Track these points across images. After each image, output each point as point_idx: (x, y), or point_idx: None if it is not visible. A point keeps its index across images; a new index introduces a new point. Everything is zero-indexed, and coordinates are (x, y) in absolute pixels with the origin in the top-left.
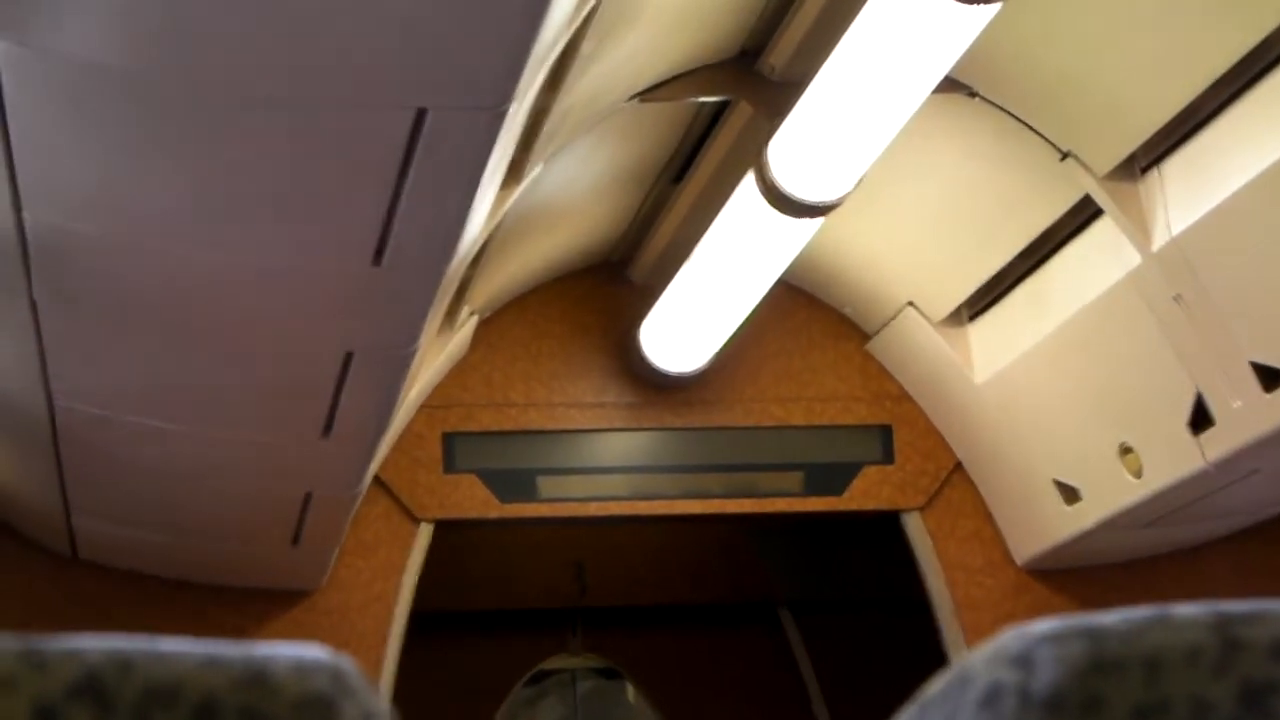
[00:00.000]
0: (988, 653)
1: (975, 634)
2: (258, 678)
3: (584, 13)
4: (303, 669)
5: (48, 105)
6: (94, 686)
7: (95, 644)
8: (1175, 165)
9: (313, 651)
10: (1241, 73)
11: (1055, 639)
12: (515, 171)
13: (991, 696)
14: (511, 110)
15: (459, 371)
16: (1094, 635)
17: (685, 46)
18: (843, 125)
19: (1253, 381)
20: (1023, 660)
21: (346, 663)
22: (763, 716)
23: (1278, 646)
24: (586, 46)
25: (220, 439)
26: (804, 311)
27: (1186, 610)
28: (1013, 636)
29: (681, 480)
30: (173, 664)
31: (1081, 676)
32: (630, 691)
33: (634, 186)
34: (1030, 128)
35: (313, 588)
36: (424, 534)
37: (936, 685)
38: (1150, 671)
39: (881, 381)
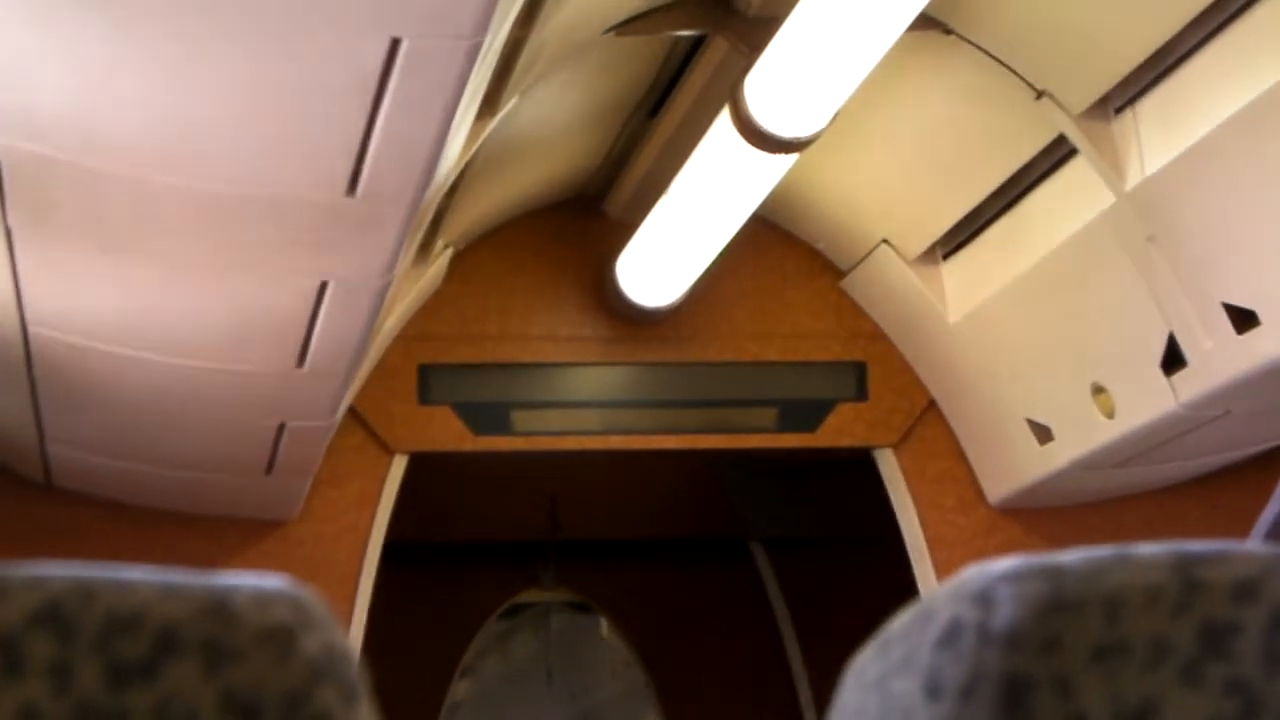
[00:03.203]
0: (949, 590)
1: (947, 571)
2: (219, 608)
3: None
4: (264, 600)
5: (19, 29)
6: (55, 615)
7: (57, 572)
8: (1150, 105)
9: (274, 582)
10: (1217, 12)
11: (1015, 577)
12: (490, 103)
13: (951, 633)
14: (486, 41)
15: (434, 304)
16: (1054, 574)
17: None
18: (818, 61)
19: (1225, 323)
20: (982, 597)
21: (308, 594)
22: (734, 651)
23: (1238, 588)
24: None
25: (194, 368)
26: (779, 248)
27: (1147, 550)
28: (973, 574)
29: (656, 415)
30: (134, 593)
31: (1041, 615)
32: (603, 626)
33: (610, 120)
34: (1005, 66)
35: (287, 518)
36: (398, 465)
37: (899, 621)
38: (1110, 611)
39: (856, 319)
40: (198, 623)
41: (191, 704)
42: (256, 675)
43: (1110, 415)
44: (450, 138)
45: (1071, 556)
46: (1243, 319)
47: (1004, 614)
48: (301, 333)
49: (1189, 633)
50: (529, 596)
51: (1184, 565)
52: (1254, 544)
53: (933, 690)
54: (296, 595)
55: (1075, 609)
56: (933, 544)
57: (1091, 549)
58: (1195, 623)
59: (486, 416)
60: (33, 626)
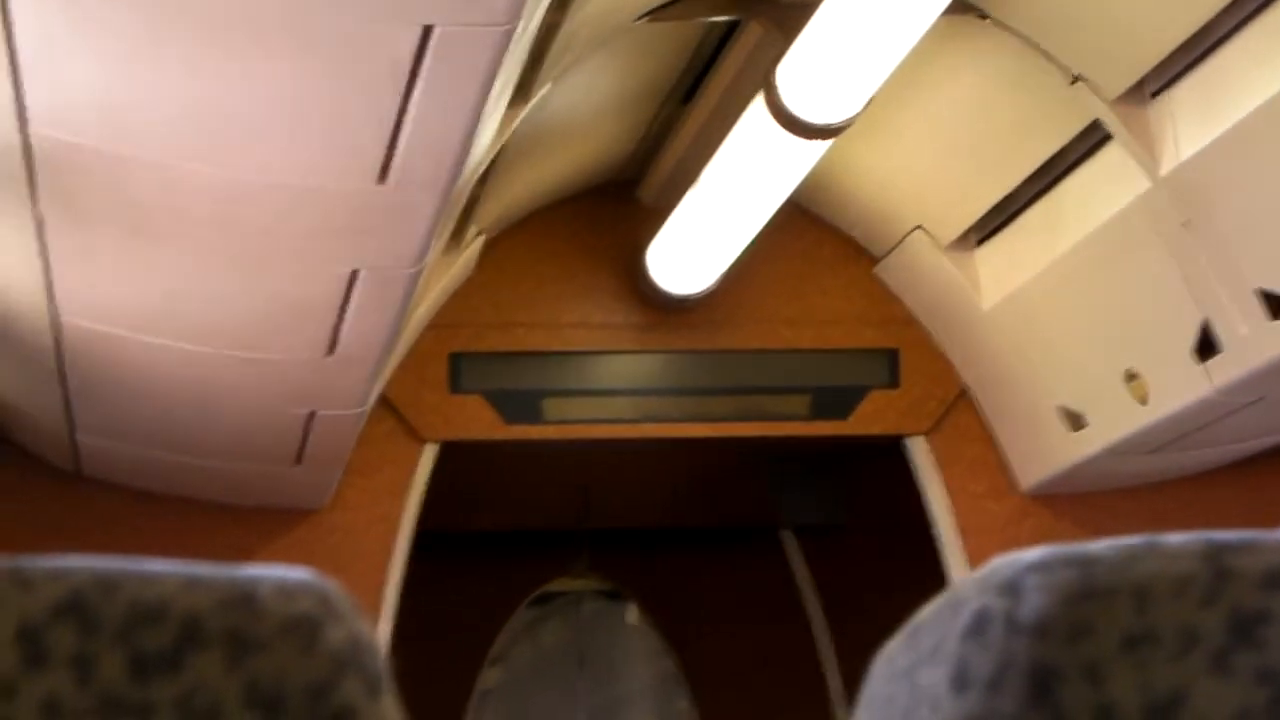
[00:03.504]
0: (977, 579)
1: (978, 559)
2: (243, 599)
3: None
4: (288, 591)
5: (54, 17)
6: (78, 606)
7: (80, 564)
8: (1185, 90)
9: (299, 574)
10: None
11: (1043, 567)
12: (523, 90)
13: (979, 623)
14: (519, 28)
15: (465, 291)
16: (1083, 563)
17: None
18: (852, 46)
19: (1259, 308)
20: (1011, 587)
21: (333, 586)
22: (764, 639)
23: (1268, 576)
24: None
25: (225, 357)
26: (812, 234)
27: (1177, 539)
28: (1002, 563)
29: (687, 403)
30: (158, 584)
31: (1069, 604)
32: (634, 613)
33: (643, 107)
34: (1040, 51)
35: (317, 506)
36: (429, 454)
37: (928, 610)
38: (1139, 600)
39: (889, 305)
40: (221, 614)
41: (215, 696)
42: (280, 667)
43: (1144, 401)
44: (482, 125)
45: (1100, 546)
46: (1277, 305)
47: (1032, 604)
48: (332, 321)
49: (1218, 622)
50: (560, 584)
51: (1213, 554)
52: None
53: (961, 680)
54: (321, 586)
55: (1104, 598)
56: (964, 531)
57: (1120, 538)
58: (1225, 612)
59: (518, 405)
60: (56, 618)
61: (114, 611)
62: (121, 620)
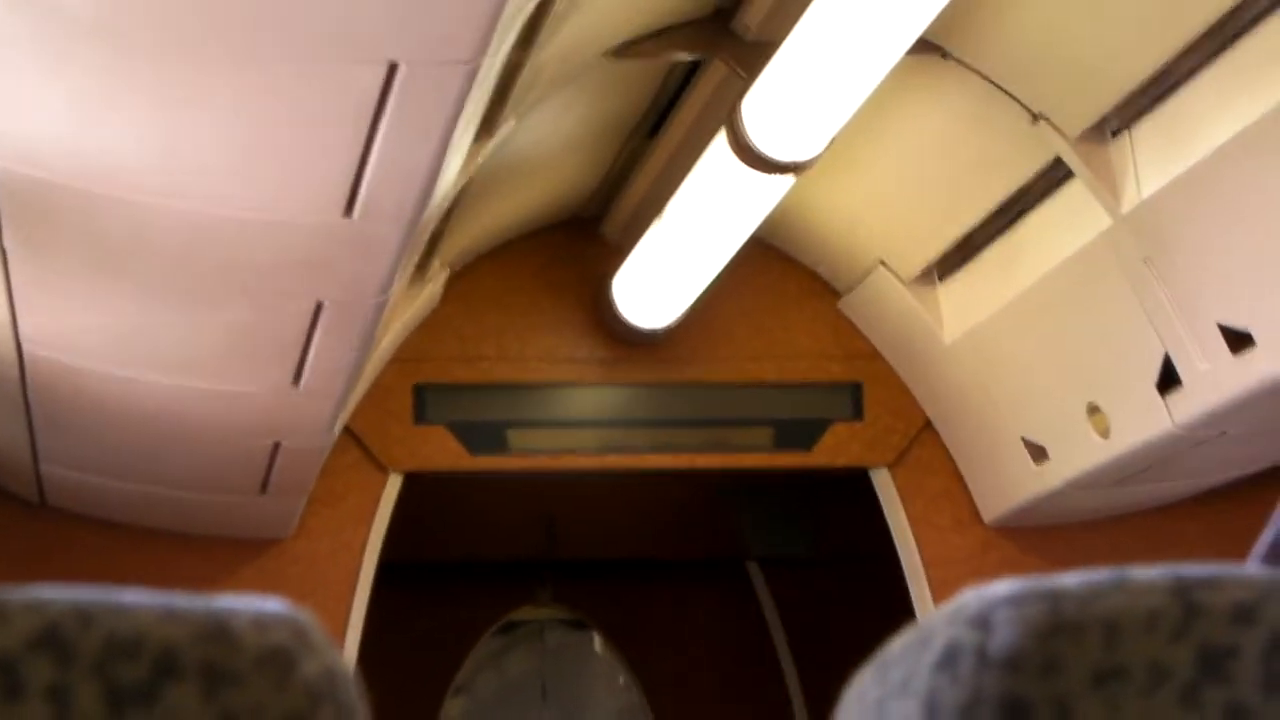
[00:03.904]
0: (947, 612)
1: (943, 591)
2: (219, 631)
3: None
4: (263, 623)
5: (17, 51)
6: (54, 638)
7: (56, 595)
8: (1147, 128)
9: (274, 605)
10: (1214, 37)
11: (1014, 600)
12: (488, 126)
13: (949, 656)
14: (484, 65)
15: (430, 324)
16: (1053, 597)
17: (660, 4)
18: (816, 84)
19: (1220, 344)
20: (981, 620)
21: (308, 617)
22: (730, 670)
23: (1237, 611)
24: (560, 3)
25: (189, 388)
26: (776, 269)
27: (1146, 574)
28: (972, 597)
29: (652, 435)
30: (133, 617)
31: (1040, 638)
32: (598, 644)
33: (607, 143)
34: (1002, 89)
35: (281, 536)
36: (393, 484)
37: (897, 643)
38: (1109, 635)
39: (852, 339)
40: (197, 646)
41: None
42: (256, 699)
43: (1105, 435)
44: (447, 160)
45: (1070, 579)
46: (1238, 340)
47: (1002, 637)
48: (297, 353)
49: (1188, 656)
50: (524, 614)
51: (1183, 589)
52: (1252, 567)
53: (931, 713)
54: (296, 618)
55: (1074, 632)
56: (928, 563)
57: (1090, 571)
58: (1194, 646)
59: (482, 436)
60: (32, 650)
61: (91, 644)
62: (98, 652)
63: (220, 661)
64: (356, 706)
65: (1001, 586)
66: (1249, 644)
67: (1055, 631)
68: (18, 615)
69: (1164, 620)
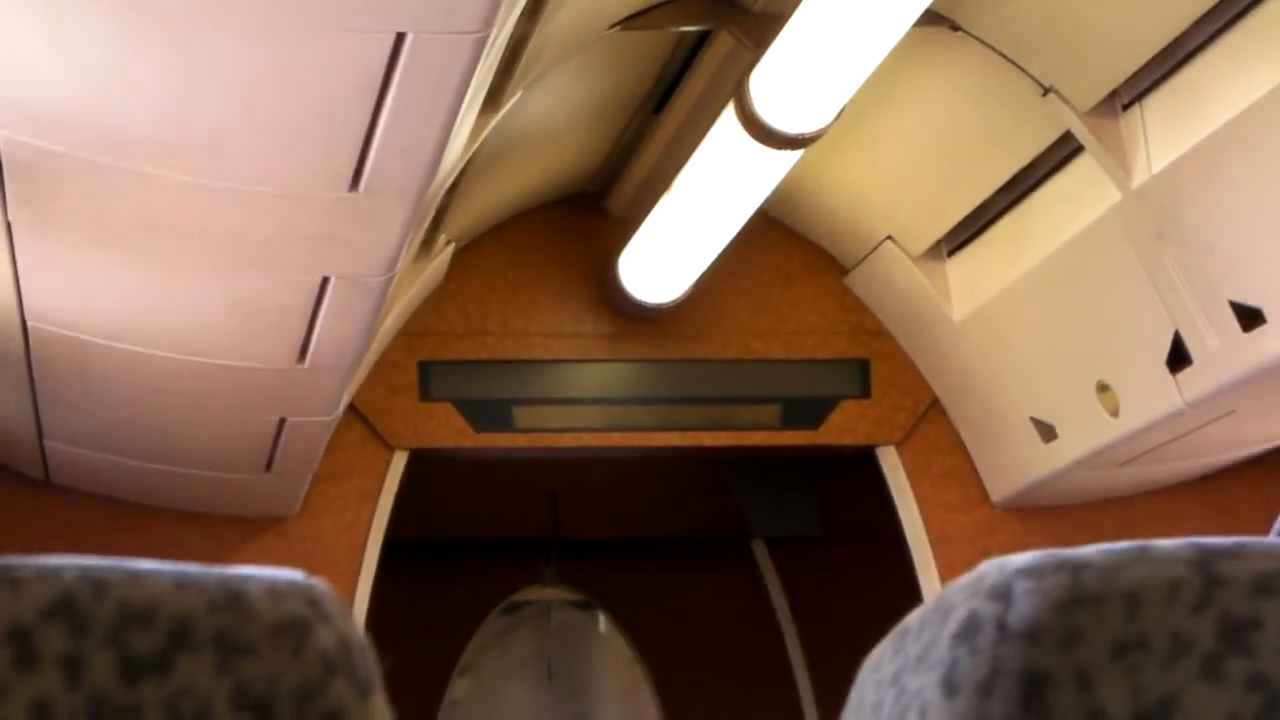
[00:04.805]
0: (966, 584)
1: (949, 570)
2: (233, 601)
3: None
4: (278, 592)
5: (25, 24)
6: (68, 607)
7: (70, 564)
8: (1157, 102)
9: (288, 574)
10: (1225, 9)
11: (1034, 571)
12: (494, 99)
13: (969, 628)
14: (491, 36)
15: (435, 300)
16: (1073, 568)
17: None
18: (824, 57)
19: (1231, 321)
20: (1000, 592)
21: (322, 586)
22: (735, 648)
23: (1258, 582)
24: None
25: (195, 364)
26: (783, 244)
27: (1167, 545)
28: (991, 568)
29: (658, 412)
30: (147, 586)
31: (1060, 610)
32: (603, 623)
33: (614, 117)
34: (1012, 62)
35: (286, 514)
36: (398, 462)
37: (916, 615)
38: (1129, 606)
39: (860, 316)
40: (211, 616)
41: (204, 698)
42: (270, 669)
43: (1115, 414)
44: (454, 133)
45: (1089, 550)
46: (1249, 317)
47: (1022, 609)
48: (303, 328)
49: (1209, 627)
50: (529, 594)
51: (1204, 560)
52: (1274, 539)
53: (950, 685)
54: (310, 587)
55: (1095, 604)
56: (935, 542)
57: (1109, 544)
58: (1215, 617)
59: (488, 413)
60: (46, 619)
61: (104, 613)
62: (112, 621)
63: (234, 631)
64: (372, 675)
65: (1021, 558)
66: (1271, 615)
67: (1075, 603)
68: (31, 584)
69: (1185, 591)
